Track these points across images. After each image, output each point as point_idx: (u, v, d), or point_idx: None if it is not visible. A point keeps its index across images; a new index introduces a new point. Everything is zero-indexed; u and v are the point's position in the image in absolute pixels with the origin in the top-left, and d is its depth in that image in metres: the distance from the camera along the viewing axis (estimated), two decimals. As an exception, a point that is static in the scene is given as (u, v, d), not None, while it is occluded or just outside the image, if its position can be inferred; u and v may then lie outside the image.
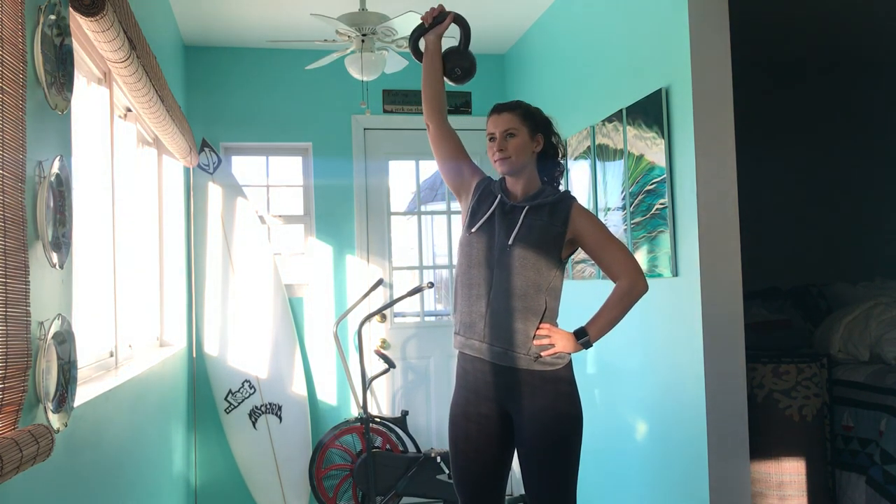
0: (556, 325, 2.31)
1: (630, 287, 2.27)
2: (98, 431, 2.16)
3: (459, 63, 2.50)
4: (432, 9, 2.49)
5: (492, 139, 2.36)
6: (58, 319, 1.65)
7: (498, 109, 2.38)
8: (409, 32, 3.34)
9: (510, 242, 2.28)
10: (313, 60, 3.71)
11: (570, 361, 2.33)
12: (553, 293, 2.30)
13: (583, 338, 2.26)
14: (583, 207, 2.35)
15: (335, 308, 4.65)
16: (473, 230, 2.35)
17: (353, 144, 4.72)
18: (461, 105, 4.84)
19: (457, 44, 2.53)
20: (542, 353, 2.24)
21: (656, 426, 3.13)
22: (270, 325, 4.48)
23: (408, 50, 3.55)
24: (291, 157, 4.83)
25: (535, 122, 2.38)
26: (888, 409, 3.10)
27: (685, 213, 2.81)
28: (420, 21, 2.51)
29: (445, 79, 2.50)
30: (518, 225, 2.29)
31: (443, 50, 2.50)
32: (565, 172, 3.89)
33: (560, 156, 2.46)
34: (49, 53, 1.64)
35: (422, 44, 2.53)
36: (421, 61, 2.52)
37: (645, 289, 2.29)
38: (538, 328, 2.25)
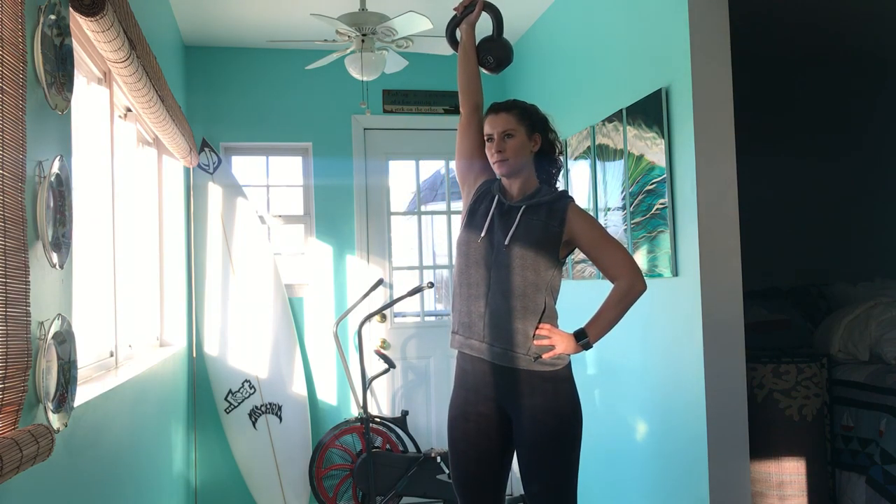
0: (556, 325, 2.31)
1: (629, 287, 2.26)
2: (98, 431, 2.16)
3: (493, 52, 2.50)
4: None
5: (489, 139, 2.34)
6: (58, 319, 1.65)
7: (495, 109, 2.37)
8: (409, 32, 3.36)
9: (507, 242, 2.27)
10: (313, 60, 3.71)
11: (570, 362, 2.33)
12: (552, 292, 2.30)
13: (582, 339, 2.25)
14: (579, 208, 2.34)
15: (335, 308, 4.65)
16: (471, 229, 2.35)
17: (353, 144, 4.72)
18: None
19: (491, 32, 2.52)
20: (543, 355, 2.24)
21: (656, 426, 3.13)
22: (270, 325, 4.48)
23: (408, 50, 3.57)
24: (291, 157, 4.83)
25: (532, 121, 2.36)
26: (888, 409, 3.10)
27: (685, 213, 2.81)
28: (453, 12, 2.52)
29: (482, 69, 2.50)
30: (515, 224, 2.28)
31: (478, 40, 2.50)
32: (566, 173, 3.90)
33: (557, 153, 2.44)
34: (49, 53, 1.64)
35: (458, 33, 2.53)
36: (457, 52, 2.53)
37: (643, 289, 2.27)
38: (538, 328, 2.25)
